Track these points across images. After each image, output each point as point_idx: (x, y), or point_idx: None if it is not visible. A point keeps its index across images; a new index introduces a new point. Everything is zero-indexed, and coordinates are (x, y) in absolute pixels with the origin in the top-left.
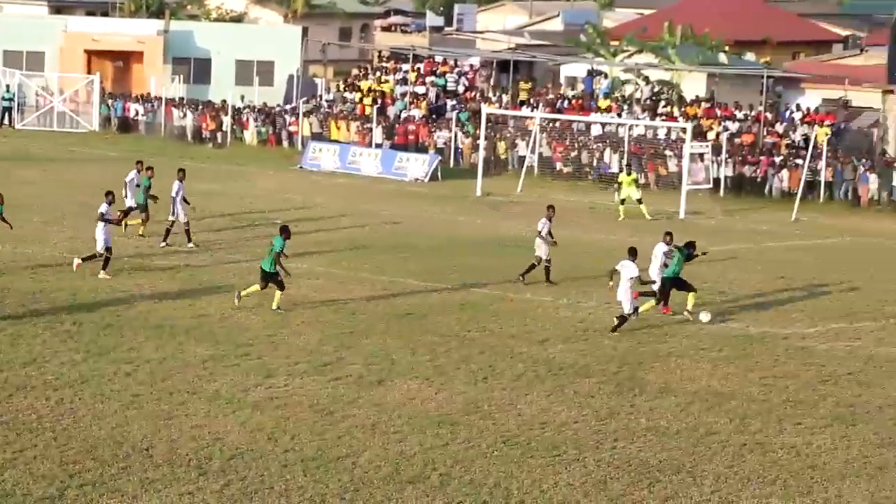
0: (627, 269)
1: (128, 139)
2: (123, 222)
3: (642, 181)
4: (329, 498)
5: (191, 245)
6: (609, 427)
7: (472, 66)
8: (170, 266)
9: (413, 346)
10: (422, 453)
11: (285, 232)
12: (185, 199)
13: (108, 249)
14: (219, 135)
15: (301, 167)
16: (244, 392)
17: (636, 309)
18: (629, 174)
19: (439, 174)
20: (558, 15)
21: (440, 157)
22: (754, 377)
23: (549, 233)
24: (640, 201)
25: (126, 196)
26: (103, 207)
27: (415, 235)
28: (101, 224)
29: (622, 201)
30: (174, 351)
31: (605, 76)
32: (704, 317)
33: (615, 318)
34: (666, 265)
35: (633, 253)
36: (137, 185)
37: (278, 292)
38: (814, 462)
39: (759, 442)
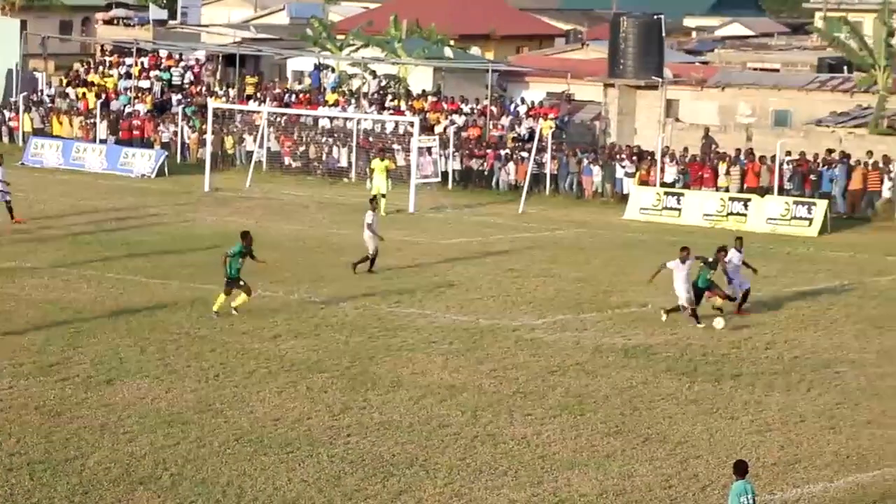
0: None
1: None
2: None
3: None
4: (57, 501)
5: None
6: (342, 422)
7: (197, 60)
8: None
9: (142, 345)
10: (152, 453)
11: (245, 238)
12: None
13: None
14: None
15: (23, 164)
16: None
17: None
18: (382, 159)
19: (166, 170)
20: (284, 8)
21: (166, 153)
22: (485, 369)
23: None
24: (384, 195)
25: None
26: None
27: (143, 232)
28: None
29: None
30: None
31: (332, 70)
32: (718, 323)
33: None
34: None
35: (684, 251)
36: None
37: (243, 296)
38: (544, 452)
39: (491, 433)
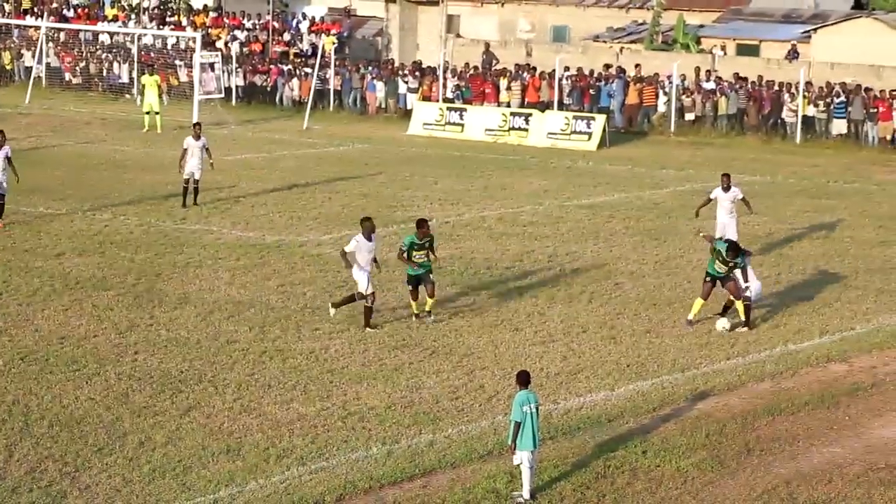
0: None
1: None
2: None
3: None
4: None
5: None
6: (129, 339)
7: None
8: None
9: None
10: None
11: (421, 227)
12: None
13: None
14: None
15: None
16: None
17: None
18: (152, 74)
19: None
20: None
21: None
22: (272, 285)
23: (208, 151)
24: (157, 113)
25: None
26: None
27: None
28: None
29: (147, 113)
30: None
31: None
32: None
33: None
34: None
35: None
36: None
37: (428, 299)
38: (332, 366)
39: (279, 349)
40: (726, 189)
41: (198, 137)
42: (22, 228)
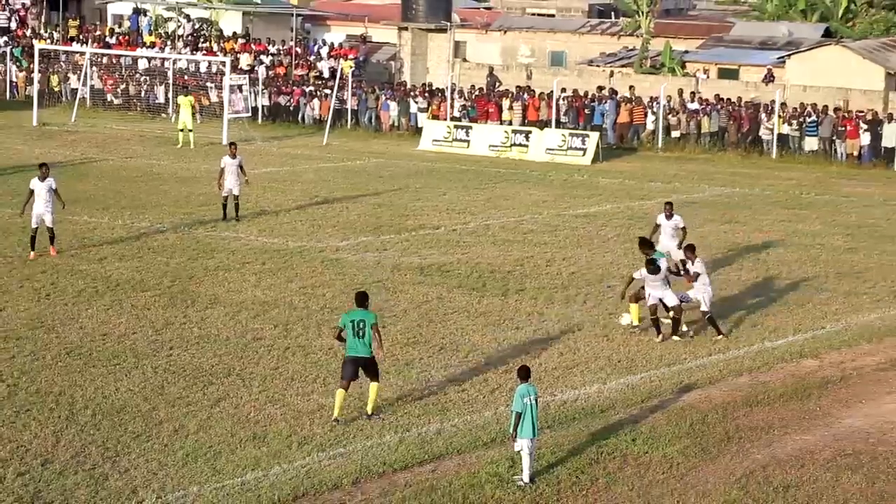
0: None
1: None
2: None
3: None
4: None
5: None
6: (165, 336)
7: (23, 4)
8: None
9: None
10: None
11: (361, 302)
12: None
13: None
14: None
15: None
16: None
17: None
18: (186, 95)
19: None
20: None
21: None
22: (294, 287)
23: (242, 168)
24: (191, 130)
25: None
26: None
27: None
28: None
29: (181, 130)
30: None
31: (145, 14)
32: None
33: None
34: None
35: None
36: None
37: (374, 387)
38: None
39: (301, 345)
40: (669, 217)
41: (234, 156)
42: (68, 235)
